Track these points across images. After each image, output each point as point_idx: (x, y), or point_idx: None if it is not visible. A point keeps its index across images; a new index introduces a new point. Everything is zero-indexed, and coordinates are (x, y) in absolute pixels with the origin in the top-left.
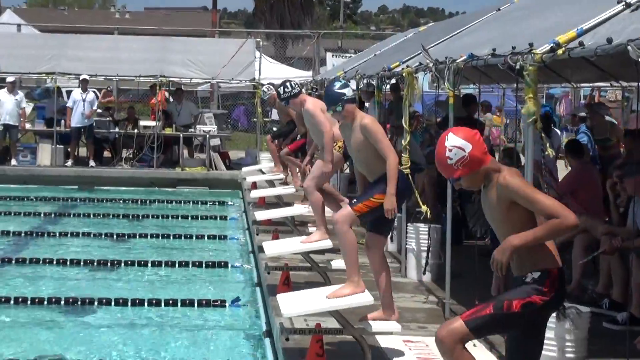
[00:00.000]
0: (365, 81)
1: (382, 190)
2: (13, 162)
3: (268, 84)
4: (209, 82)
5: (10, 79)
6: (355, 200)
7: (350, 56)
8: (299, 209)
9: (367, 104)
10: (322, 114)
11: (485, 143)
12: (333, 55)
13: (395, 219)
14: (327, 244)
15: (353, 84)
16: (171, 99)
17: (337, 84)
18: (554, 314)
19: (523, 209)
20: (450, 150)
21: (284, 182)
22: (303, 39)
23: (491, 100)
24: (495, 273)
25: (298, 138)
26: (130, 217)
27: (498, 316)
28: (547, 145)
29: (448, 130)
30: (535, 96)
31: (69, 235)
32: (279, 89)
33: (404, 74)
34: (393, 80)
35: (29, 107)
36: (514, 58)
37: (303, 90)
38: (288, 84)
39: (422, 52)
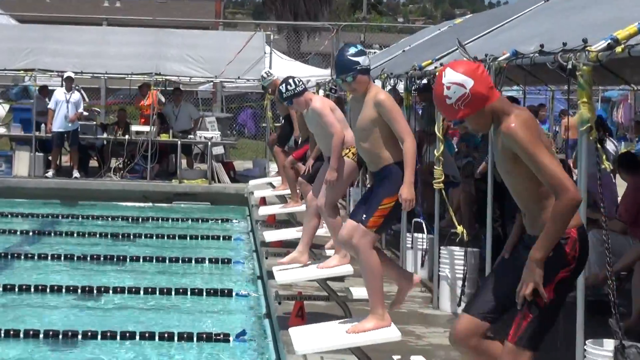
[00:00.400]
0: (392, 82)
1: (390, 191)
2: None
3: (267, 70)
4: (212, 81)
5: None
6: (364, 214)
7: (375, 52)
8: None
9: None
10: (332, 114)
11: None
12: None
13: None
14: (347, 269)
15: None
16: (163, 100)
17: (352, 50)
18: (611, 352)
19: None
20: (448, 88)
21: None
22: (320, 32)
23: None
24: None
25: (299, 142)
26: (120, 236)
27: (541, 315)
28: (604, 157)
29: (445, 65)
30: (589, 100)
31: (49, 257)
32: (280, 87)
33: (437, 74)
34: (424, 81)
35: (4, 109)
36: (565, 56)
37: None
38: (291, 80)
39: (458, 48)
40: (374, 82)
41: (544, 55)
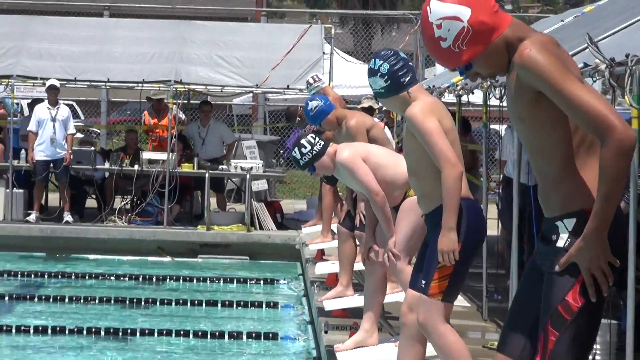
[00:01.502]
0: (497, 92)
1: None
2: None
3: (315, 75)
4: (251, 91)
5: None
6: (422, 281)
7: None
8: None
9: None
10: (364, 166)
11: None
12: None
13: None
14: None
15: (478, 95)
16: (184, 118)
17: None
18: None
19: (556, 107)
20: (439, 27)
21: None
22: (398, 25)
23: None
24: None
25: None
26: (127, 303)
27: (569, 330)
28: None
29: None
30: None
31: (31, 332)
32: (294, 154)
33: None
34: None
35: None
36: None
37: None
38: (304, 140)
39: (588, 47)
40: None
41: None
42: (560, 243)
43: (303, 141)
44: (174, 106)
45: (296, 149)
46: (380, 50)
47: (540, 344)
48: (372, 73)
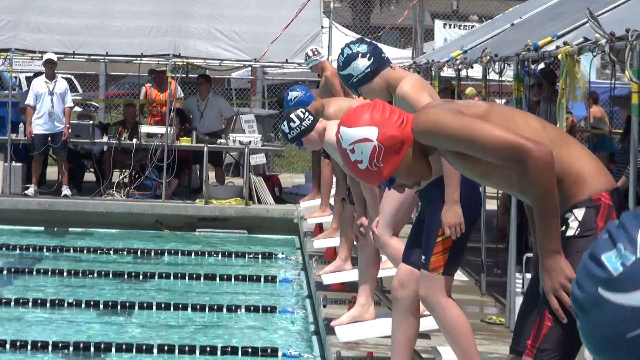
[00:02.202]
0: (497, 67)
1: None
2: None
3: (314, 48)
4: (250, 65)
5: None
6: (422, 256)
7: (474, 26)
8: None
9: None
10: None
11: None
12: (445, 25)
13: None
14: (431, 324)
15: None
16: (181, 94)
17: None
18: None
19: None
20: (352, 152)
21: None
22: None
23: None
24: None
25: None
26: (126, 276)
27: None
28: None
29: (337, 127)
30: None
31: (29, 304)
32: (282, 127)
33: (559, 56)
34: (541, 65)
35: None
36: None
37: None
38: (293, 115)
39: (588, 21)
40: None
41: None
42: (570, 232)
43: (292, 115)
44: (174, 81)
45: (285, 123)
46: (346, 44)
47: (534, 327)
48: (351, 59)
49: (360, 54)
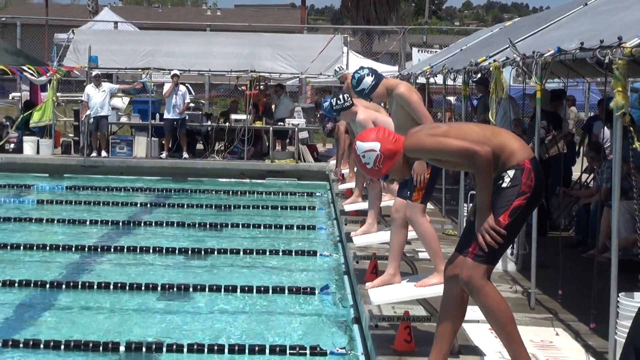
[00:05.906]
0: (452, 76)
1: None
2: (103, 153)
3: (340, 65)
4: (298, 76)
5: (94, 73)
6: (408, 191)
7: (436, 51)
8: (387, 202)
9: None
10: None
11: (569, 135)
12: (419, 51)
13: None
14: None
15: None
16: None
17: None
18: None
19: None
20: (363, 157)
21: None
22: (389, 35)
23: (575, 94)
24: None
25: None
26: (222, 207)
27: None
28: (635, 138)
29: (355, 139)
30: (624, 89)
31: (163, 224)
32: (332, 100)
33: (491, 69)
34: (479, 75)
35: (123, 102)
36: (602, 52)
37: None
38: (341, 95)
39: (509, 46)
40: (433, 78)
41: (584, 52)
42: (504, 185)
43: (340, 96)
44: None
45: (334, 99)
46: (355, 71)
47: (473, 244)
48: (360, 79)
49: (365, 75)
